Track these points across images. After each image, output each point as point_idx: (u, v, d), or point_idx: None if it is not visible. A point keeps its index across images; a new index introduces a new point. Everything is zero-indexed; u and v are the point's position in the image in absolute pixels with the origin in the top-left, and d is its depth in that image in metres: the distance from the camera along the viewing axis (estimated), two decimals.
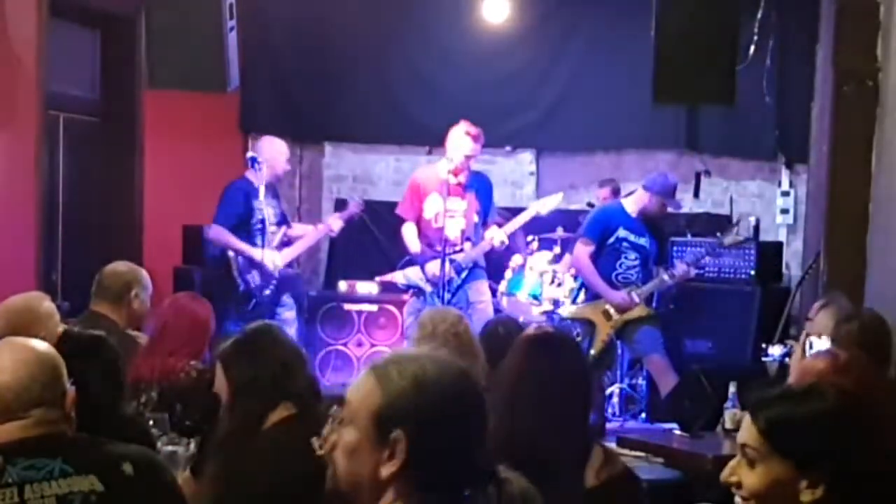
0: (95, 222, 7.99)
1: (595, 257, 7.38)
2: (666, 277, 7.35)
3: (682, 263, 7.41)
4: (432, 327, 4.50)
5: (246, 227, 7.43)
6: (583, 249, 7.42)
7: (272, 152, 7.61)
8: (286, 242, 7.66)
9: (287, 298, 7.61)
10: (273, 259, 7.41)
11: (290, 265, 7.73)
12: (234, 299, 7.43)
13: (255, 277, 7.41)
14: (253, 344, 3.54)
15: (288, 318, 7.56)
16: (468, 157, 7.41)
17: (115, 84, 8.03)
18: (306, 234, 7.89)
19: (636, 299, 7.27)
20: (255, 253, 7.37)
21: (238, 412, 3.45)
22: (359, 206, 8.03)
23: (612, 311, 7.31)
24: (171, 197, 8.39)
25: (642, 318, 7.33)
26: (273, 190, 7.63)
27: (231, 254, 7.44)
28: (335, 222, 7.89)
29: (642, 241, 7.38)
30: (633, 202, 7.46)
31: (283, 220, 7.71)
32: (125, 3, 7.78)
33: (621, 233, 7.36)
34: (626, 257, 7.37)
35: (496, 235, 7.48)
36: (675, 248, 8.02)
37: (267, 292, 7.42)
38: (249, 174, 7.52)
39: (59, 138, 7.63)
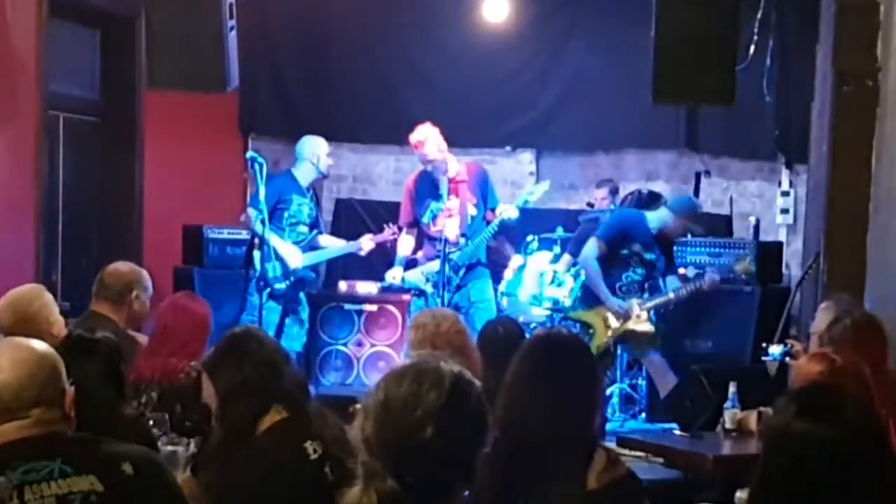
0: (95, 222, 8.00)
1: (603, 262, 7.32)
2: (672, 296, 7.30)
3: (709, 276, 7.29)
4: (435, 327, 4.48)
5: (279, 218, 7.47)
6: (593, 249, 7.31)
7: (313, 149, 7.66)
8: (313, 247, 7.68)
9: (303, 297, 7.72)
10: (293, 256, 7.45)
11: (313, 269, 7.77)
12: (249, 283, 7.53)
13: (274, 268, 7.44)
14: (237, 349, 3.51)
15: (302, 317, 7.71)
16: (429, 162, 7.45)
17: (115, 84, 8.03)
18: (333, 245, 7.90)
19: (636, 310, 7.25)
20: (278, 245, 7.41)
21: (229, 419, 3.41)
22: (394, 233, 7.92)
23: (611, 318, 7.28)
24: (171, 197, 8.39)
25: (640, 334, 7.33)
26: (313, 191, 7.70)
27: (257, 240, 7.51)
28: (367, 243, 7.84)
29: (651, 257, 7.34)
30: (657, 219, 7.33)
31: (315, 224, 7.73)
32: (125, 3, 7.78)
33: (636, 247, 7.30)
34: (633, 271, 7.32)
35: (505, 209, 7.48)
36: (675, 249, 7.99)
37: (281, 286, 7.47)
38: (294, 169, 7.61)
39: (59, 138, 7.63)
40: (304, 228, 7.60)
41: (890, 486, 2.12)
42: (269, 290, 7.44)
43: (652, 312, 7.33)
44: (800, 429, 2.15)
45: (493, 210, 7.61)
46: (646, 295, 7.38)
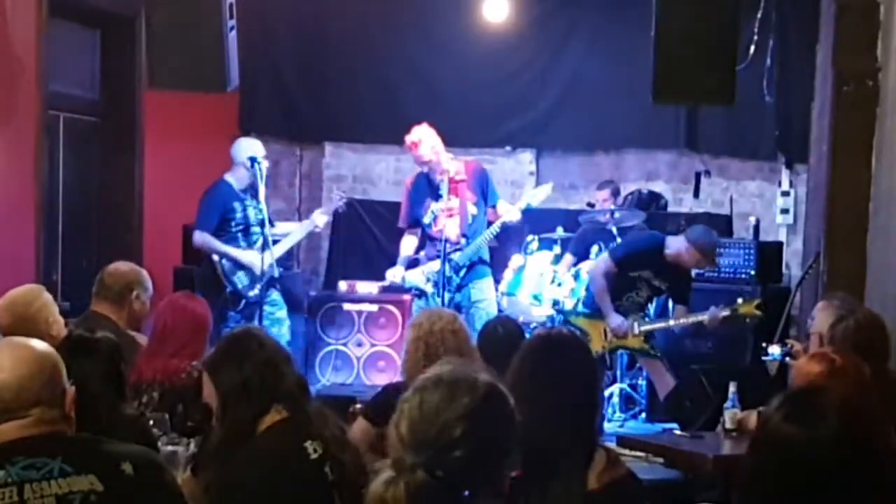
0: (95, 222, 8.00)
1: (609, 278, 7.26)
2: (672, 323, 7.30)
3: (712, 311, 7.13)
4: (429, 326, 4.50)
5: (227, 228, 7.41)
6: (603, 266, 7.28)
7: (246, 152, 7.48)
8: (274, 241, 7.58)
9: (277, 297, 7.55)
10: (254, 261, 7.36)
11: (287, 265, 7.69)
12: (223, 302, 7.39)
13: (241, 279, 7.40)
14: (238, 349, 3.51)
15: (280, 316, 7.54)
16: (424, 163, 7.44)
17: (115, 84, 8.03)
18: (292, 232, 7.86)
19: (636, 330, 7.25)
20: (239, 255, 7.37)
21: (229, 419, 3.41)
22: (342, 198, 7.99)
23: (609, 333, 7.29)
24: (171, 197, 8.38)
25: (637, 350, 7.34)
26: (253, 190, 7.45)
27: (216, 257, 7.41)
28: (319, 217, 7.84)
29: (661, 284, 7.30)
30: (673, 245, 7.20)
31: (263, 221, 7.56)
32: (125, 3, 7.78)
33: (645, 273, 7.27)
34: (637, 294, 7.31)
35: (510, 211, 7.48)
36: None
37: (254, 293, 7.39)
38: (228, 176, 7.47)
39: (59, 138, 7.63)
40: (256, 229, 7.45)
41: (888, 485, 2.13)
42: (244, 301, 7.39)
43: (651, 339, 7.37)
44: (781, 431, 2.16)
45: (493, 207, 7.61)
46: (647, 316, 7.39)
